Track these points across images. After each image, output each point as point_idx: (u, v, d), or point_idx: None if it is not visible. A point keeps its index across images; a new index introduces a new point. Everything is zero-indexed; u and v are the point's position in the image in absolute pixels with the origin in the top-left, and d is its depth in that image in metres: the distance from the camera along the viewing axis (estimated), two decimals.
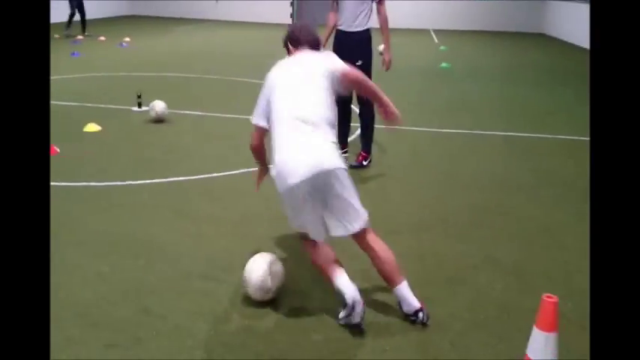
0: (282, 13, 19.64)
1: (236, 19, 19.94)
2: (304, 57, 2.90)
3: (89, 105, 6.89)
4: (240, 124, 5.67)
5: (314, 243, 2.71)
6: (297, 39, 2.97)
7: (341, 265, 2.66)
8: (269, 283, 2.71)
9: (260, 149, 2.92)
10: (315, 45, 2.97)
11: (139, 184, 4.37)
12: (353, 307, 2.50)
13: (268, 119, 2.76)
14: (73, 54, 11.03)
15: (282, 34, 3.07)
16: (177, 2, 20.83)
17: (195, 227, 3.63)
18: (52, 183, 4.12)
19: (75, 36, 13.48)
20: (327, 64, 2.82)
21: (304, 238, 2.74)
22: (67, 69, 9.35)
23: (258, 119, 2.82)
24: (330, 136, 2.68)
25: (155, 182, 4.41)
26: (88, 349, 2.41)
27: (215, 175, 4.62)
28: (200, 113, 6.68)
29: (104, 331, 2.54)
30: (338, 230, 2.63)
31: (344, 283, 2.56)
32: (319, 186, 2.55)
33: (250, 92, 3.28)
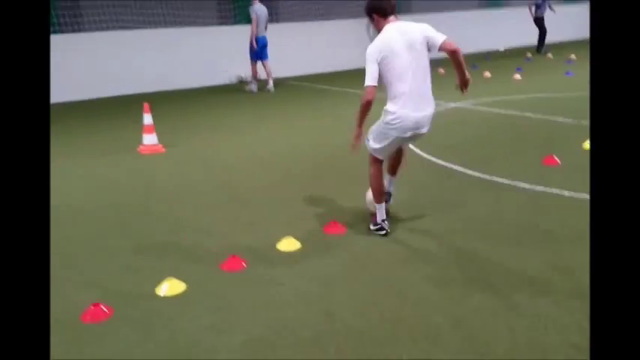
0: None
1: None
2: (403, 26, 3.70)
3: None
4: None
5: (379, 167, 4.01)
6: (385, 9, 3.71)
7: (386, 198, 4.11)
8: None
9: (371, 105, 3.72)
10: (394, 11, 3.75)
11: None
12: (382, 227, 3.98)
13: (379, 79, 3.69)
14: (567, 73, 11.40)
15: None
16: None
17: None
18: (550, 190, 4.54)
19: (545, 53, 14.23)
20: (427, 32, 3.66)
21: (375, 161, 4.01)
22: (561, 87, 9.78)
23: (373, 81, 3.65)
24: (432, 103, 3.80)
25: None
26: None
27: None
28: None
29: None
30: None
31: (383, 209, 4.01)
32: (412, 137, 3.85)
33: None
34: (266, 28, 11.03)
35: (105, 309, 3.08)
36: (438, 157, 5.90)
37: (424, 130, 3.82)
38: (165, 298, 3.24)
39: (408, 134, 3.78)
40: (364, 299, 3.11)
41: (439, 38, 3.63)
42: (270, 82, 11.40)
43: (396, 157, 4.18)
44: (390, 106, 3.74)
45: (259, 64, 11.27)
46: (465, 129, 7.34)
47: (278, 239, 3.92)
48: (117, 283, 3.46)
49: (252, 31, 10.87)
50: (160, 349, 2.73)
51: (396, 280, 3.31)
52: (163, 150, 7.01)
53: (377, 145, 3.92)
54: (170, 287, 3.30)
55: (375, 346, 2.65)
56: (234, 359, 2.61)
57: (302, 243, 3.89)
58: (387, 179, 4.21)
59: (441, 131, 7.33)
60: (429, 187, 5.04)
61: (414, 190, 4.89)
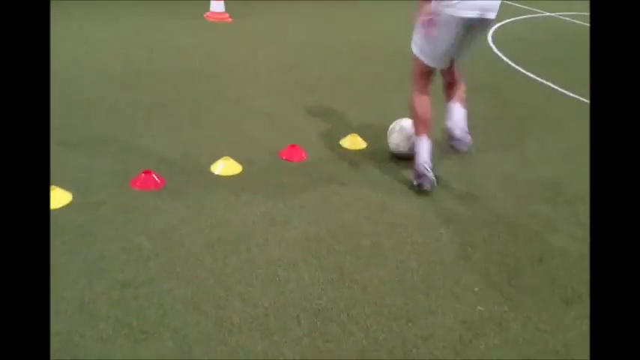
0: None
1: None
2: None
3: None
4: None
5: (423, 90, 3.06)
6: None
7: (428, 131, 3.06)
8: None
9: None
10: None
11: None
12: (422, 175, 3.00)
13: None
14: None
15: None
16: None
17: None
18: None
19: None
20: None
21: (419, 78, 3.04)
22: None
23: None
24: None
25: None
26: None
27: None
28: None
29: None
30: (461, 59, 3.03)
31: (425, 147, 3.04)
32: (475, 28, 2.80)
33: None
34: None
35: (157, 178, 2.93)
36: (533, 73, 5.37)
37: (492, 15, 2.78)
38: (220, 177, 3.06)
39: (474, 15, 2.72)
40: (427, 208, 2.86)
41: None
42: None
43: (449, 73, 3.13)
44: None
45: None
46: (563, 44, 6.66)
47: (343, 136, 3.65)
48: (172, 154, 3.30)
49: None
50: (212, 230, 2.58)
51: (476, 193, 3.03)
52: (230, 19, 6.64)
53: (427, 45, 2.92)
54: (226, 167, 3.11)
55: (441, 264, 2.43)
56: (283, 252, 2.44)
57: (367, 143, 3.61)
58: (452, 112, 3.07)
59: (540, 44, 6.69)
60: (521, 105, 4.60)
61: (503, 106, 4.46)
